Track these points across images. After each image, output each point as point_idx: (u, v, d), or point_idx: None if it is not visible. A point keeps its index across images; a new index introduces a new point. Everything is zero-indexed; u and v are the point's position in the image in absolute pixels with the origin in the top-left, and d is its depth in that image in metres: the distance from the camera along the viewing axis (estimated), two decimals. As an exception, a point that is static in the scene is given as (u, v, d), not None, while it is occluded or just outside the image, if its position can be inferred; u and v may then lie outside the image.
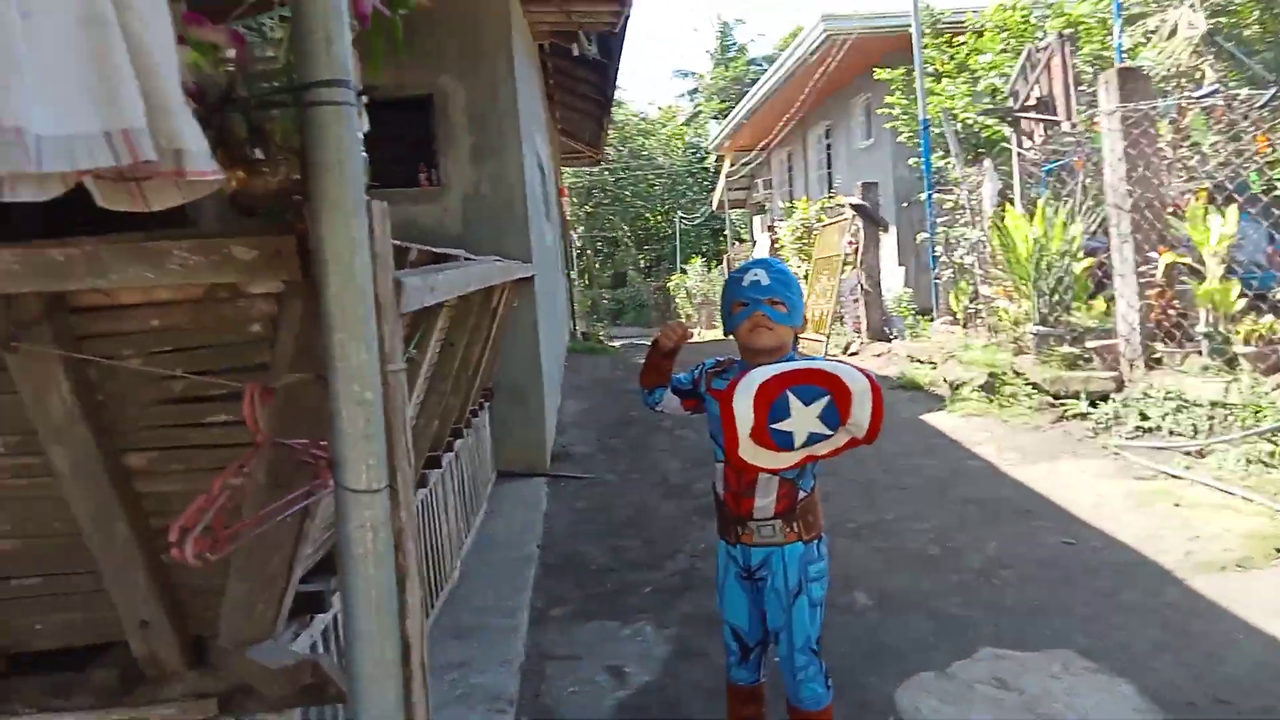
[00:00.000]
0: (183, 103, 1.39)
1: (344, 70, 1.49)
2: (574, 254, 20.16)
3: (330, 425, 1.47)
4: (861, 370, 1.97)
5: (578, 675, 3.14)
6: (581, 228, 30.76)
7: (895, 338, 11.27)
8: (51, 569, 1.79)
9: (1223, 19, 9.05)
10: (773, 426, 2.00)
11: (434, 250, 2.41)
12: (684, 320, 2.61)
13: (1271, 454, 4.66)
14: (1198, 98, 6.96)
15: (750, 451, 2.05)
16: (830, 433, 2.00)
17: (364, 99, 3.42)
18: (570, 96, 12.49)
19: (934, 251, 11.04)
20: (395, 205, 5.38)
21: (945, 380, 7.91)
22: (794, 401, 1.98)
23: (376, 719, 1.46)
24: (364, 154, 1.88)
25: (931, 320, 10.69)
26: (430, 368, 3.06)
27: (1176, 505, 4.42)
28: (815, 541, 2.23)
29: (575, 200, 29.87)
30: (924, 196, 11.39)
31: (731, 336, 2.25)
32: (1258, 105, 6.19)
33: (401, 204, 5.63)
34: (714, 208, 26.98)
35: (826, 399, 1.97)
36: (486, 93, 5.63)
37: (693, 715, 2.83)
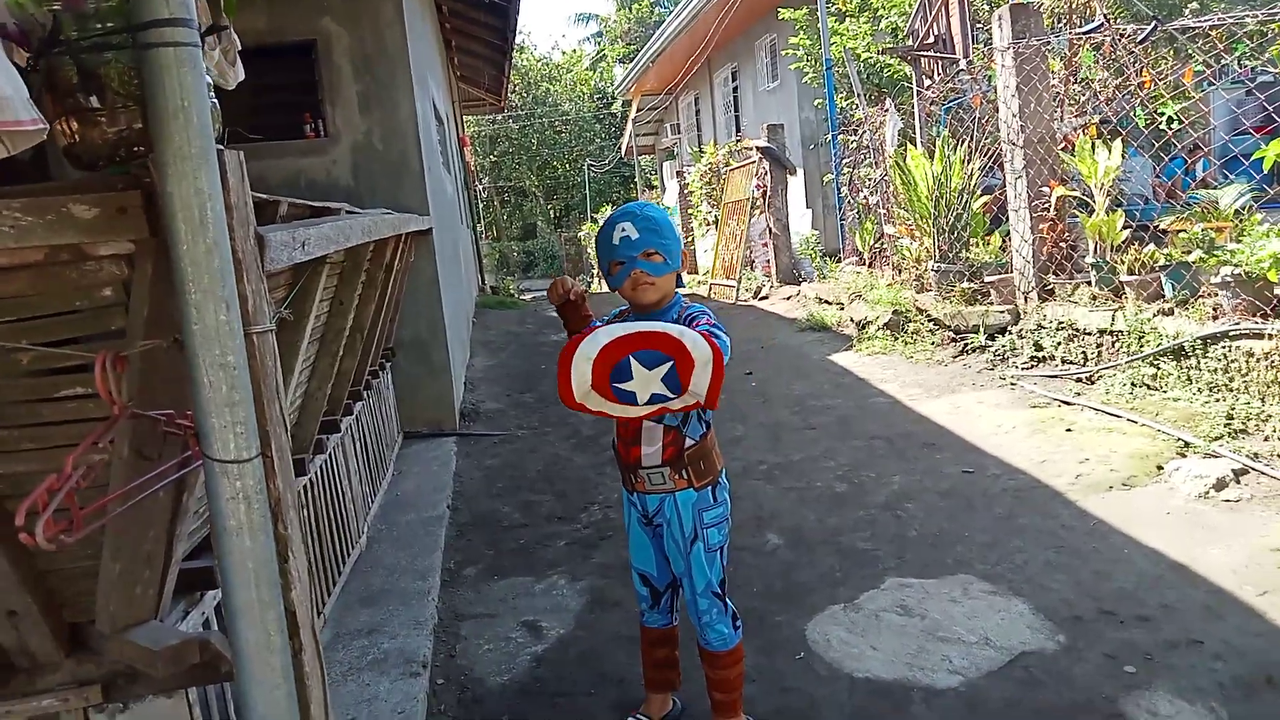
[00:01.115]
0: (-7, 46, 1.25)
1: (184, 8, 1.36)
2: (480, 206, 19.73)
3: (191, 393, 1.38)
4: (708, 338, 1.91)
5: (493, 633, 3.11)
6: (487, 179, 30.11)
7: (804, 280, 11.41)
8: (-104, 562, 1.64)
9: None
10: (615, 385, 1.95)
11: (311, 204, 2.28)
12: (567, 277, 2.56)
13: (1154, 377, 4.89)
14: (1085, 33, 7.13)
15: (592, 401, 1.99)
16: (672, 396, 1.95)
17: (239, 47, 3.20)
18: (468, 41, 12.08)
19: (840, 193, 11.17)
20: (281, 158, 5.12)
21: (852, 320, 8.06)
22: (635, 366, 1.93)
23: (264, 694, 1.40)
24: (213, 100, 1.75)
25: (839, 262, 10.85)
26: (318, 328, 2.93)
27: (1068, 430, 4.61)
28: (711, 488, 2.23)
29: (479, 150, 29.17)
30: (829, 138, 11.48)
31: (615, 291, 2.19)
32: (1138, 41, 6.37)
33: (287, 157, 5.38)
34: (623, 154, 26.72)
35: (669, 365, 1.91)
36: (373, 37, 5.38)
37: (610, 663, 2.84)
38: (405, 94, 5.43)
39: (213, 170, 1.36)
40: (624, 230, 2.12)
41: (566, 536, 3.95)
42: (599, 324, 2.14)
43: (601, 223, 2.19)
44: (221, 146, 1.48)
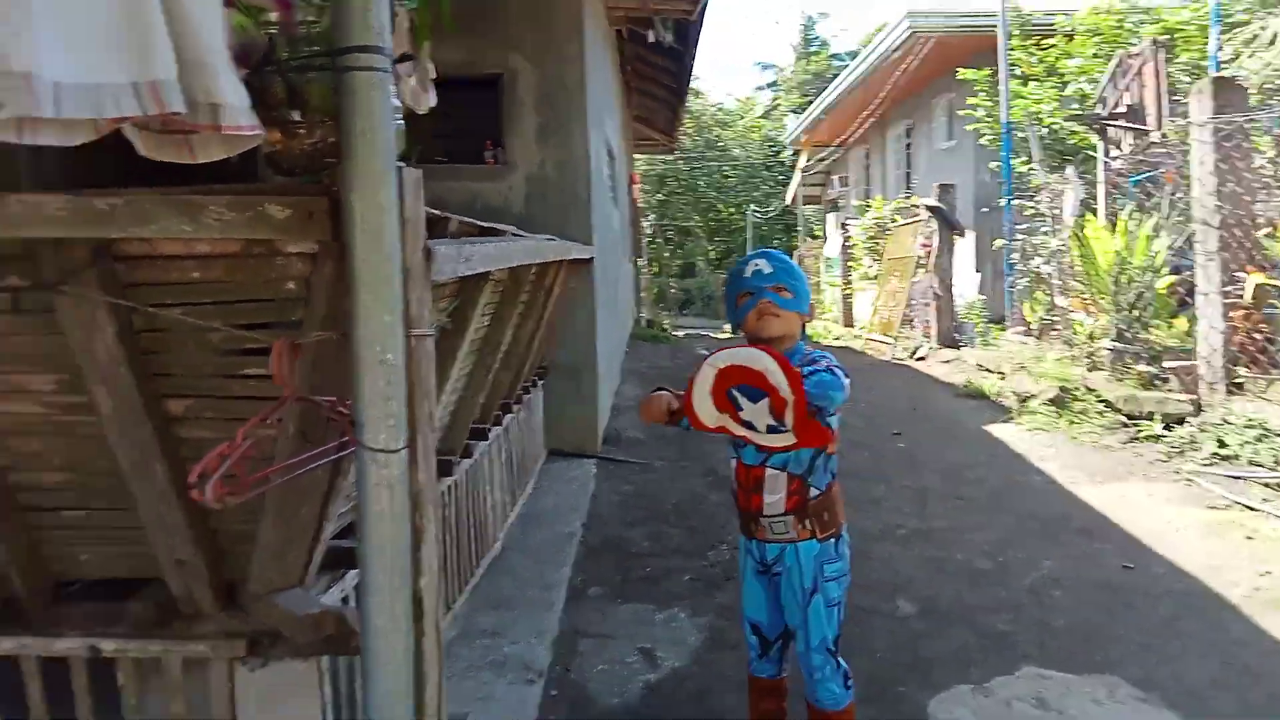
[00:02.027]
0: (224, 59, 1.40)
1: (379, 37, 1.48)
2: (643, 241, 20.15)
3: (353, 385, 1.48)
4: (795, 380, 1.85)
5: (610, 654, 3.13)
6: (653, 215, 30.72)
7: (965, 345, 10.97)
8: (97, 504, 1.85)
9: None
10: (738, 413, 1.94)
11: (480, 224, 2.40)
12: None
13: (1358, 489, 4.39)
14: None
15: (728, 424, 1.96)
16: (783, 429, 1.91)
17: (433, 75, 3.44)
18: (646, 83, 12.46)
19: (1010, 259, 10.70)
20: (460, 182, 5.46)
21: (1013, 392, 7.67)
22: (741, 398, 1.92)
23: (385, 673, 1.47)
24: (400, 122, 1.89)
25: (1004, 329, 10.38)
26: (476, 340, 3.07)
27: (1249, 538, 4.20)
28: (832, 540, 2.17)
29: (648, 188, 29.83)
30: (1003, 202, 11.05)
31: (739, 331, 2.18)
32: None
33: (467, 180, 5.70)
34: (788, 202, 26.65)
35: (766, 400, 1.89)
36: (556, 74, 5.64)
37: (719, 705, 2.80)
38: (580, 129, 5.65)
39: (392, 186, 1.48)
40: (758, 265, 2.15)
41: (692, 571, 3.93)
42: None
43: (735, 265, 2.21)
44: (403, 165, 1.59)
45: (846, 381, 1.99)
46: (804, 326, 2.21)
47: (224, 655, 1.81)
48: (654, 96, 13.30)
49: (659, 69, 11.57)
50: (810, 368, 1.98)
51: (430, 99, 3.98)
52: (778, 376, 1.87)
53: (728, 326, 2.27)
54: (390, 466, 1.45)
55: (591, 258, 5.59)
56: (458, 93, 5.78)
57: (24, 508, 1.87)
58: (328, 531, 1.88)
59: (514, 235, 3.09)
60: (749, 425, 1.97)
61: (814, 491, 2.15)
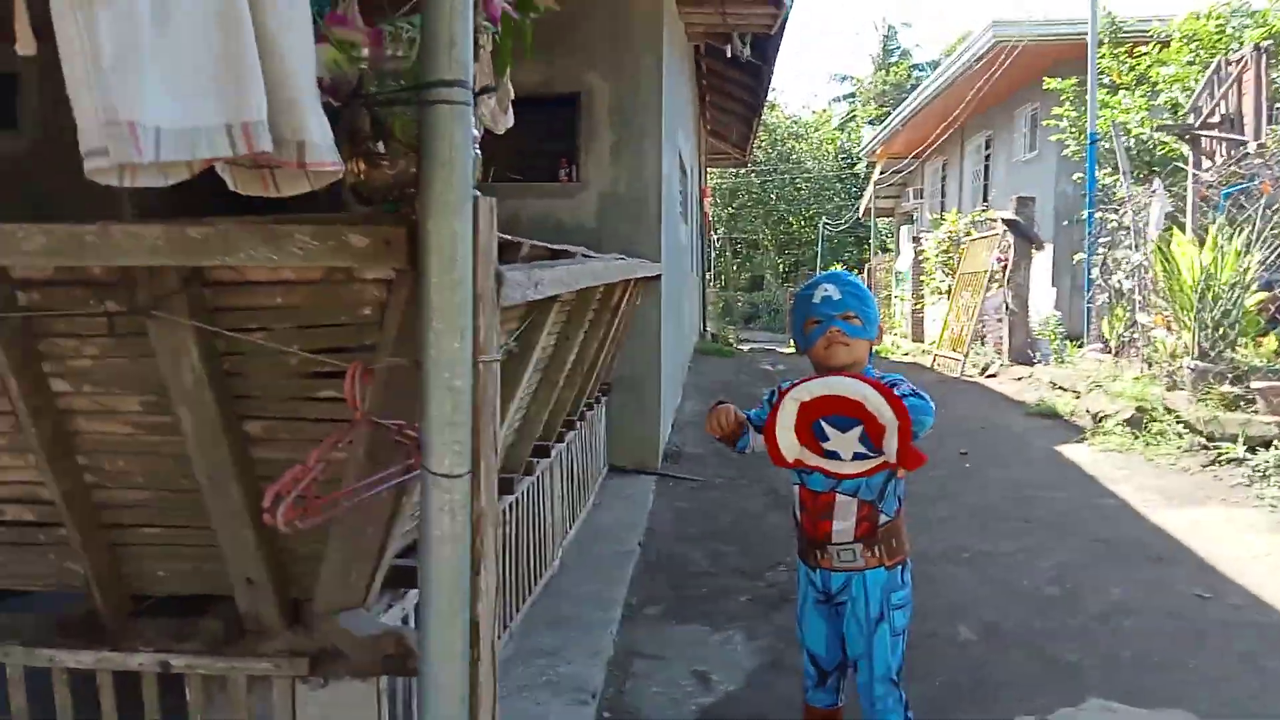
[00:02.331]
0: (314, 97, 1.49)
1: (463, 71, 1.55)
2: (712, 254, 20.15)
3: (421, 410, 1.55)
4: (893, 399, 1.86)
5: (664, 676, 3.16)
6: (722, 229, 30.68)
7: (1039, 362, 10.69)
8: (175, 521, 1.96)
9: None
10: (821, 444, 1.98)
11: (550, 247, 2.47)
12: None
13: None
14: None
15: (806, 457, 2.01)
16: (874, 455, 1.94)
17: (511, 96, 3.52)
18: (721, 98, 12.48)
19: (1090, 274, 10.40)
20: (534, 199, 5.60)
21: (1088, 411, 7.45)
22: (829, 429, 1.95)
23: (441, 697, 1.52)
24: (477, 151, 1.96)
25: (1080, 346, 10.08)
26: (542, 360, 3.14)
27: (1338, 569, 4.02)
28: (899, 568, 2.15)
29: (718, 201, 29.81)
30: (1085, 215, 10.75)
31: (806, 356, 2.19)
32: None
33: (541, 198, 5.82)
34: (860, 215, 26.35)
35: (859, 428, 1.91)
36: (632, 91, 5.71)
37: (773, 730, 2.80)
38: (654, 147, 5.72)
39: (466, 216, 1.54)
40: (826, 290, 2.13)
41: (749, 592, 3.93)
42: (765, 405, 2.16)
43: (803, 285, 2.22)
44: (478, 194, 1.67)
45: (932, 405, 1.99)
46: (871, 350, 2.21)
47: (287, 673, 1.88)
48: (729, 111, 13.30)
49: (735, 83, 11.57)
50: (898, 392, 1.97)
51: (508, 120, 4.08)
52: (876, 403, 1.88)
53: (793, 343, 2.27)
54: (453, 491, 1.51)
55: (659, 274, 5.64)
56: (533, 110, 5.93)
57: (108, 525, 1.98)
58: (391, 551, 1.95)
59: (584, 256, 3.16)
60: (832, 455, 1.99)
61: (884, 518, 2.13)
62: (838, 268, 25.76)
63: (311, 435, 1.80)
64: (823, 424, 1.96)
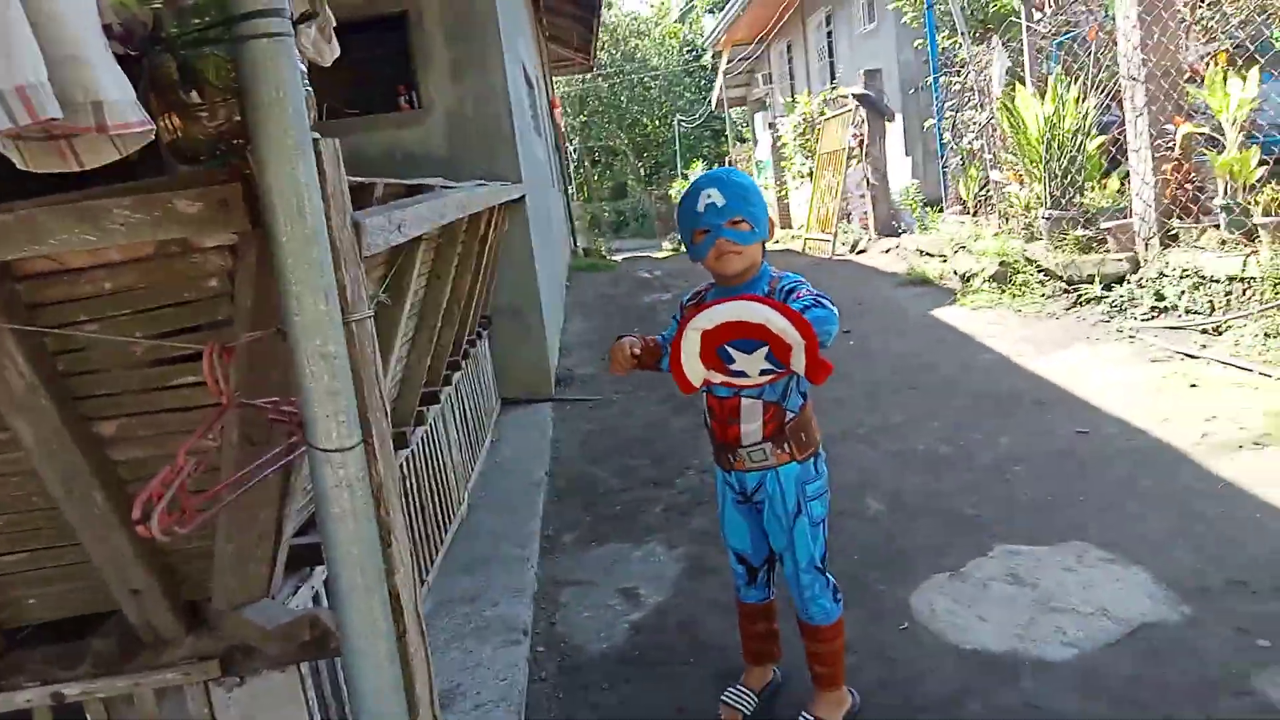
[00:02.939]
0: (102, 50, 1.28)
1: (277, -2, 1.36)
2: (571, 167, 19.77)
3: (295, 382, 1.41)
4: (798, 320, 1.84)
5: (591, 600, 3.16)
6: (577, 139, 30.11)
7: (904, 231, 11.04)
8: (36, 544, 1.76)
9: None
10: (727, 365, 1.98)
11: (406, 183, 2.30)
12: (623, 342, 2.49)
13: (1291, 328, 4.55)
14: (1214, -47, 6.56)
15: (712, 377, 2.02)
16: (781, 368, 1.94)
17: (333, 21, 3.22)
18: (557, 0, 12.03)
19: (942, 139, 10.70)
20: (377, 131, 5.23)
21: (955, 273, 7.76)
22: (734, 353, 1.94)
23: (370, 675, 1.44)
24: (308, 88, 1.76)
25: (941, 211, 10.44)
26: (415, 304, 2.98)
27: (1193, 386, 4.35)
28: (811, 459, 2.17)
29: (569, 110, 29.15)
30: (930, 81, 10.98)
31: (699, 263, 2.14)
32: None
33: (384, 129, 5.48)
34: (713, 108, 26.26)
35: (765, 348, 1.90)
36: (462, 4, 5.38)
37: (705, 632, 2.85)
38: (495, 60, 5.43)
39: (309, 160, 1.38)
40: (710, 197, 2.04)
41: (664, 502, 3.96)
42: (673, 325, 2.17)
43: (685, 190, 2.14)
44: (317, 135, 1.49)
45: (835, 310, 1.95)
46: (764, 248, 2.15)
47: (197, 679, 1.75)
48: (566, 14, 12.85)
49: (568, -17, 11.16)
50: (798, 304, 1.93)
51: (334, 49, 3.76)
52: (781, 324, 1.85)
53: (666, 244, 2.22)
54: (347, 465, 1.39)
55: (523, 196, 5.45)
56: (360, 35, 5.53)
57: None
58: (288, 533, 1.82)
59: (443, 188, 2.97)
60: (739, 374, 1.99)
61: (790, 415, 2.13)
62: (698, 165, 25.77)
63: (177, 427, 1.63)
64: (728, 348, 1.94)
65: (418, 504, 3.20)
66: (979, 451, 4.05)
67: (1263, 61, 5.60)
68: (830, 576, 2.25)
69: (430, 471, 3.42)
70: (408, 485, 3.10)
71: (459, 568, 3.38)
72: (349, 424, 1.40)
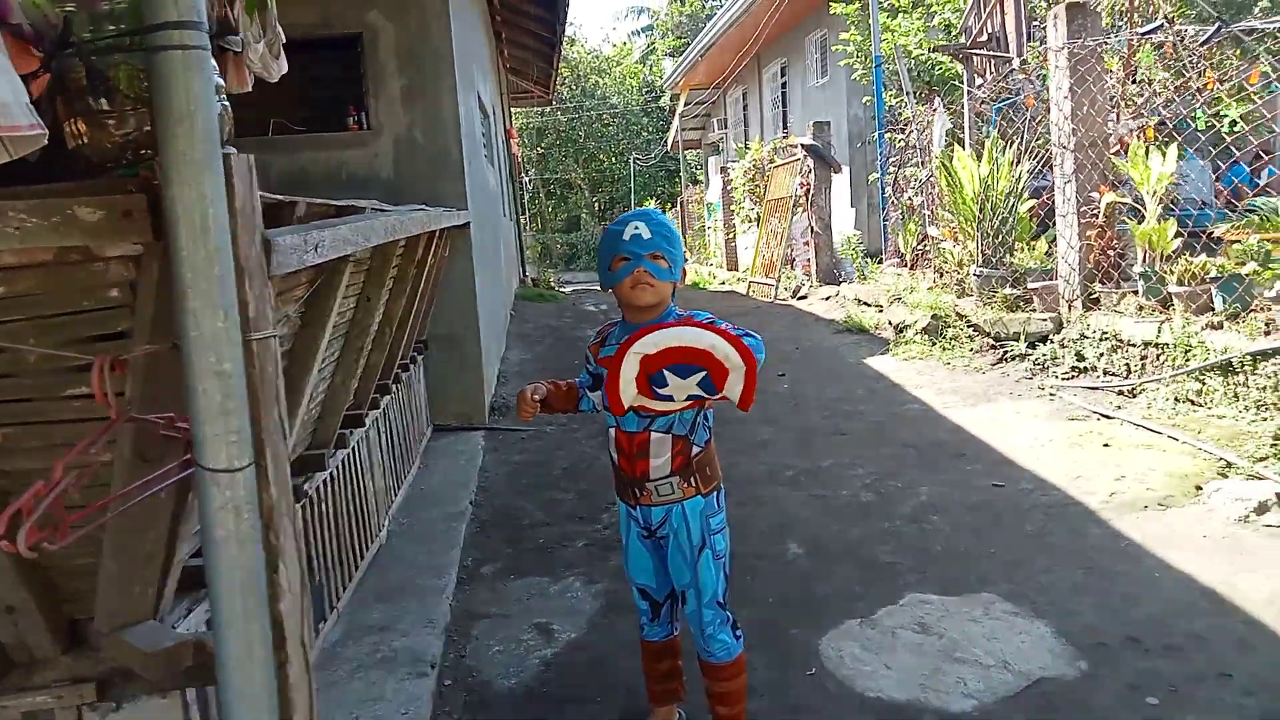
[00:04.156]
0: (-5, 49, 1.26)
1: (193, 10, 1.35)
2: (525, 197, 19.80)
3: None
4: (741, 346, 1.93)
5: (504, 634, 3.11)
6: (533, 170, 30.21)
7: (844, 280, 11.26)
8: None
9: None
10: (655, 390, 2.01)
11: (334, 203, 2.28)
12: (524, 391, 2.56)
13: (1199, 392, 4.73)
14: (1145, 34, 6.90)
15: (638, 402, 2.05)
16: (708, 395, 2.01)
17: (282, 39, 3.20)
18: (518, 33, 12.11)
19: (884, 192, 10.99)
20: (324, 151, 5.18)
21: (890, 323, 7.93)
22: (670, 377, 1.98)
23: (245, 706, 1.40)
24: (223, 103, 1.75)
25: (880, 263, 10.69)
26: (342, 325, 2.94)
27: (1106, 445, 4.49)
28: (714, 494, 2.22)
29: (526, 142, 29.25)
30: (876, 136, 11.29)
31: (610, 291, 2.17)
32: (1200, 42, 6.16)
33: (331, 149, 5.45)
34: (669, 148, 26.61)
35: (702, 374, 1.97)
36: (419, 30, 5.41)
37: (617, 671, 2.82)
38: (448, 88, 5.45)
39: (217, 175, 1.37)
40: (637, 228, 2.11)
41: (586, 537, 3.94)
42: (586, 365, 2.23)
43: (612, 223, 2.19)
44: (230, 151, 1.48)
45: (761, 340, 2.04)
46: (674, 291, 2.21)
47: (71, 703, 1.69)
48: (527, 47, 12.94)
49: (531, 18, 11.24)
50: (737, 332, 2.01)
51: (281, 66, 3.73)
52: (725, 349, 1.93)
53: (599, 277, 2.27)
54: (235, 487, 1.37)
55: (467, 223, 5.44)
56: (313, 54, 5.50)
57: None
58: (182, 554, 1.77)
59: (375, 210, 2.96)
60: (666, 399, 2.03)
61: (696, 449, 2.17)
62: (651, 203, 26.03)
63: (66, 438, 1.58)
64: (665, 373, 1.98)
65: (333, 528, 3.14)
66: (900, 500, 4.11)
67: (1180, 139, 5.88)
68: (730, 613, 2.27)
69: (349, 495, 3.36)
70: (323, 509, 3.04)
71: (372, 596, 3.31)
72: (241, 444, 1.37)
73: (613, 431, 2.22)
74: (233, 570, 1.37)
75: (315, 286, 2.33)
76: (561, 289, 15.10)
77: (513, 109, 17.84)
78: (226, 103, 1.74)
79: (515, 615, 3.24)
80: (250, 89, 3.56)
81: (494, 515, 4.27)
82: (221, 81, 1.77)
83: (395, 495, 4.17)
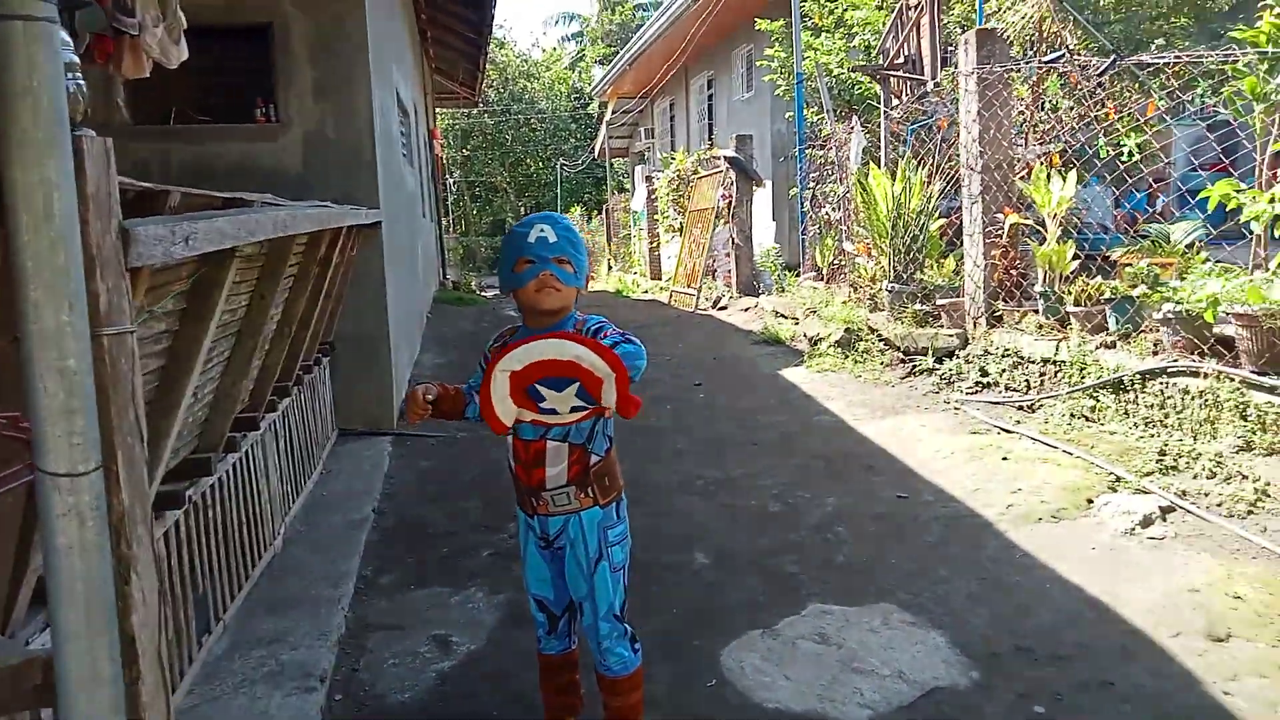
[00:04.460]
0: None
1: (36, -22, 1.26)
2: (449, 199, 19.53)
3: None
4: (608, 354, 1.88)
5: (401, 646, 3.01)
6: (458, 172, 29.86)
7: (763, 292, 11.40)
8: None
9: (1076, -13, 9.35)
10: (538, 404, 1.98)
11: (217, 195, 2.18)
12: (415, 393, 2.52)
13: (1093, 409, 4.91)
14: (1049, 62, 7.17)
15: (523, 416, 2.01)
16: (591, 405, 1.97)
17: (183, 23, 3.04)
18: (443, 32, 11.94)
19: (803, 207, 11.17)
20: (229, 143, 4.98)
21: (805, 336, 8.04)
22: (544, 391, 1.94)
23: (86, 729, 1.30)
24: (77, 81, 1.64)
25: (798, 276, 10.85)
26: (232, 323, 2.81)
27: (1005, 459, 4.61)
28: (614, 505, 2.18)
29: (451, 143, 28.91)
30: (796, 151, 11.48)
31: (511, 295, 2.12)
32: (1097, 73, 6.42)
33: (235, 141, 5.25)
34: (596, 155, 26.61)
35: (576, 384, 1.93)
36: (333, 22, 5.25)
37: (516, 685, 2.75)
38: (363, 83, 5.31)
39: (64, 157, 1.27)
40: (542, 231, 2.07)
41: (492, 546, 3.85)
42: (479, 370, 2.15)
43: (516, 225, 2.14)
44: (86, 132, 1.38)
45: (643, 347, 1.99)
46: (576, 298, 2.17)
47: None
48: (452, 47, 12.78)
49: (457, 17, 11.10)
50: (607, 340, 1.95)
51: (181, 52, 3.56)
52: (591, 359, 1.87)
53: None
54: (79, 492, 1.27)
55: (379, 222, 5.30)
56: (221, 43, 5.30)
57: None
58: (37, 563, 1.65)
59: (266, 204, 2.84)
60: (549, 412, 1.98)
61: (595, 458, 2.13)
62: (577, 209, 25.97)
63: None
64: (538, 387, 1.93)
65: (221, 536, 2.99)
66: (807, 510, 4.15)
67: (1078, 165, 6.11)
68: (629, 626, 2.23)
69: (240, 501, 3.21)
70: (210, 515, 2.90)
71: (264, 606, 3.18)
72: (85, 446, 1.28)
73: (511, 439, 2.16)
74: (74, 582, 1.27)
75: (197, 282, 2.21)
76: (483, 293, 14.92)
77: (437, 109, 17.60)
78: (81, 81, 1.63)
79: (413, 627, 3.14)
80: (148, 74, 3.40)
81: (397, 523, 4.15)
82: (75, 59, 1.65)
83: (294, 501, 4.02)
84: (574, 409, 1.97)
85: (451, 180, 27.02)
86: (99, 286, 1.33)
